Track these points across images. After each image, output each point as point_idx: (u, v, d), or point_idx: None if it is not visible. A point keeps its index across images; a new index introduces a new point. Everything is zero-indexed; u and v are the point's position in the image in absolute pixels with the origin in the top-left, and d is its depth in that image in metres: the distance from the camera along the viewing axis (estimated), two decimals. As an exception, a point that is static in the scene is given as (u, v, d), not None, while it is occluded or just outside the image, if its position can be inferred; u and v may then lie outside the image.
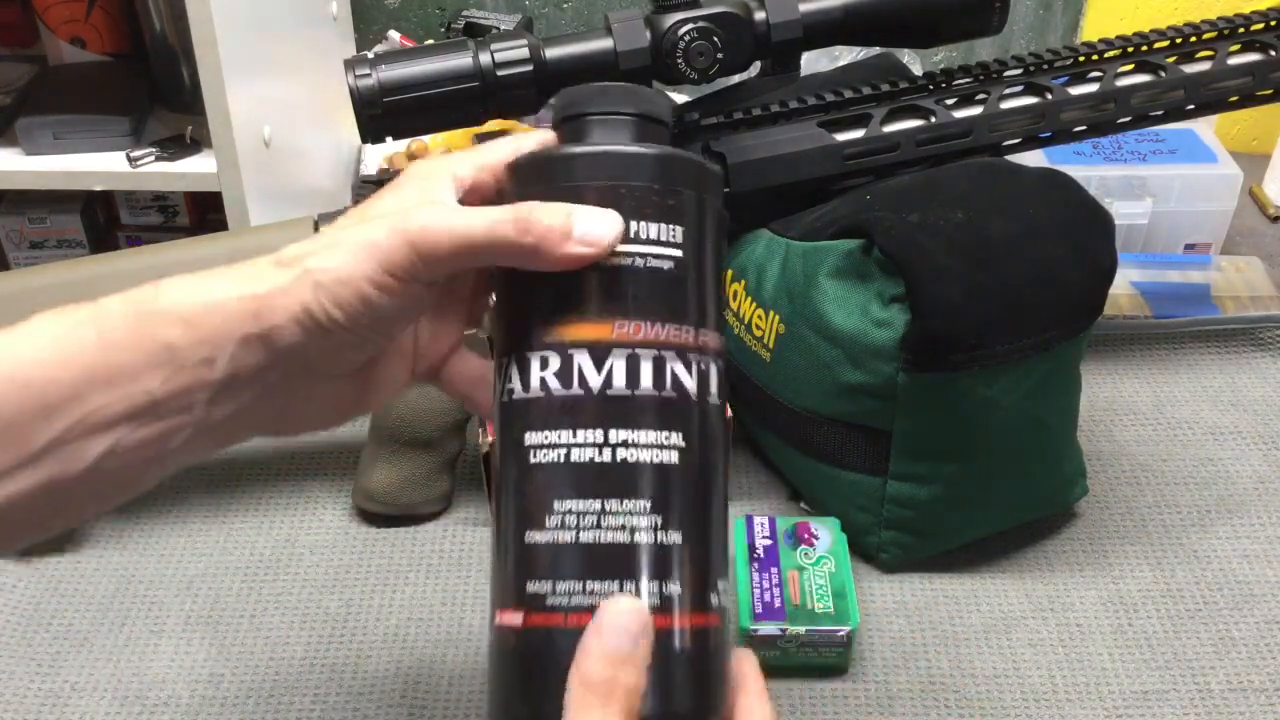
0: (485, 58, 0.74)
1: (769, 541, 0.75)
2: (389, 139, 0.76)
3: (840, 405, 0.76)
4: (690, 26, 0.75)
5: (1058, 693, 0.71)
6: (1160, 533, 0.82)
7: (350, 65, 0.74)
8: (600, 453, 0.42)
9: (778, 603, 0.71)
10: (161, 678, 0.73)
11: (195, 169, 0.92)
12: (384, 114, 0.74)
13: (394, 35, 1.30)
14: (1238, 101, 0.86)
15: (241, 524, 0.84)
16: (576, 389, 0.43)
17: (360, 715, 0.70)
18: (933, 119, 0.81)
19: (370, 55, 0.75)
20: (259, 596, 0.78)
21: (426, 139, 1.14)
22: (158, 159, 0.92)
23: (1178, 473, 0.87)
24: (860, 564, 0.80)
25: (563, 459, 0.43)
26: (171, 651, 0.75)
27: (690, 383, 0.44)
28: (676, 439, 0.43)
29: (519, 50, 0.75)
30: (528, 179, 0.47)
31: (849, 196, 0.78)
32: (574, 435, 0.42)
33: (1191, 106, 0.85)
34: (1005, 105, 0.82)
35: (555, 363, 0.43)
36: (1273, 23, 0.85)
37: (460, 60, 0.74)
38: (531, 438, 0.43)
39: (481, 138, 0.77)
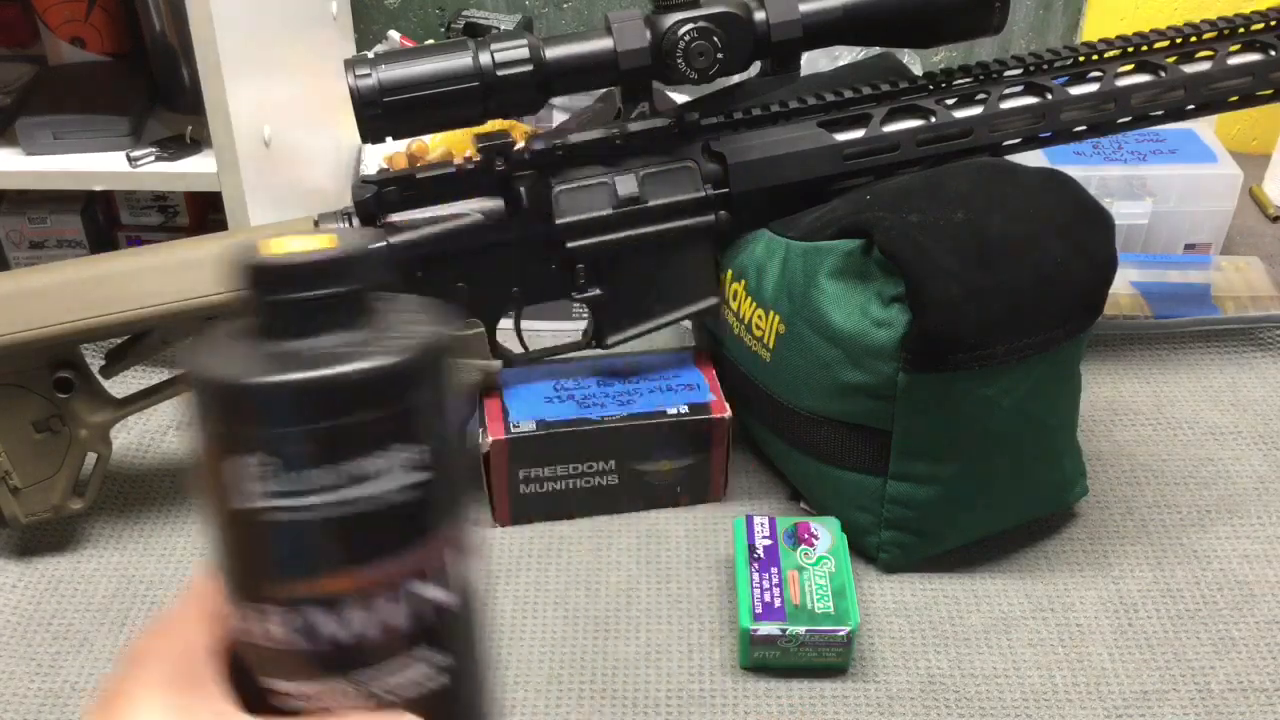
0: (485, 58, 0.74)
1: (769, 541, 0.75)
2: (389, 139, 0.76)
3: (840, 405, 0.76)
4: (690, 26, 0.75)
5: (1058, 693, 0.71)
6: (1160, 533, 0.82)
7: (350, 65, 0.74)
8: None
9: (778, 603, 0.71)
10: (161, 678, 0.73)
11: (195, 169, 0.92)
12: (384, 114, 0.74)
13: (394, 35, 1.30)
14: (1238, 101, 0.86)
15: (241, 524, 0.83)
16: (319, 643, 0.35)
17: None
18: (933, 119, 0.81)
19: (370, 55, 0.75)
20: (259, 596, 0.78)
21: (426, 139, 1.14)
22: (158, 159, 0.92)
23: (1178, 473, 0.87)
24: (860, 564, 0.80)
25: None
26: (171, 651, 0.75)
27: (443, 595, 0.38)
28: (439, 659, 0.37)
29: (519, 50, 0.75)
30: (225, 409, 0.34)
31: (849, 196, 0.78)
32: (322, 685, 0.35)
33: (1191, 106, 0.85)
34: (1005, 105, 0.82)
35: (294, 618, 0.35)
36: (1273, 23, 0.85)
37: (460, 60, 0.74)
38: (282, 685, 0.36)
39: (481, 138, 0.77)
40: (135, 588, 0.79)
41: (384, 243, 0.76)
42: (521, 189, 0.77)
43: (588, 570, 0.80)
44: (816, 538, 0.76)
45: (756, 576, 0.73)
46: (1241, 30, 0.85)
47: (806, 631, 0.70)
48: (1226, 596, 0.78)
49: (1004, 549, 0.81)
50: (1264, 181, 1.26)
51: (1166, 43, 0.84)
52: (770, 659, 0.71)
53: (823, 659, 0.71)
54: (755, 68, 0.80)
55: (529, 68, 0.75)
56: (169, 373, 0.82)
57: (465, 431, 0.41)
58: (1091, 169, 1.08)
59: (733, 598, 0.77)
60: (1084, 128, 0.83)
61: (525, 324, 0.86)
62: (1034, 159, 0.98)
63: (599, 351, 0.85)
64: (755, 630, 0.70)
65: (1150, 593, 0.78)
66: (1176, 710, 0.71)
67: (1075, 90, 0.82)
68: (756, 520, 0.77)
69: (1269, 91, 0.86)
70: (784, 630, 0.70)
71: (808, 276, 0.76)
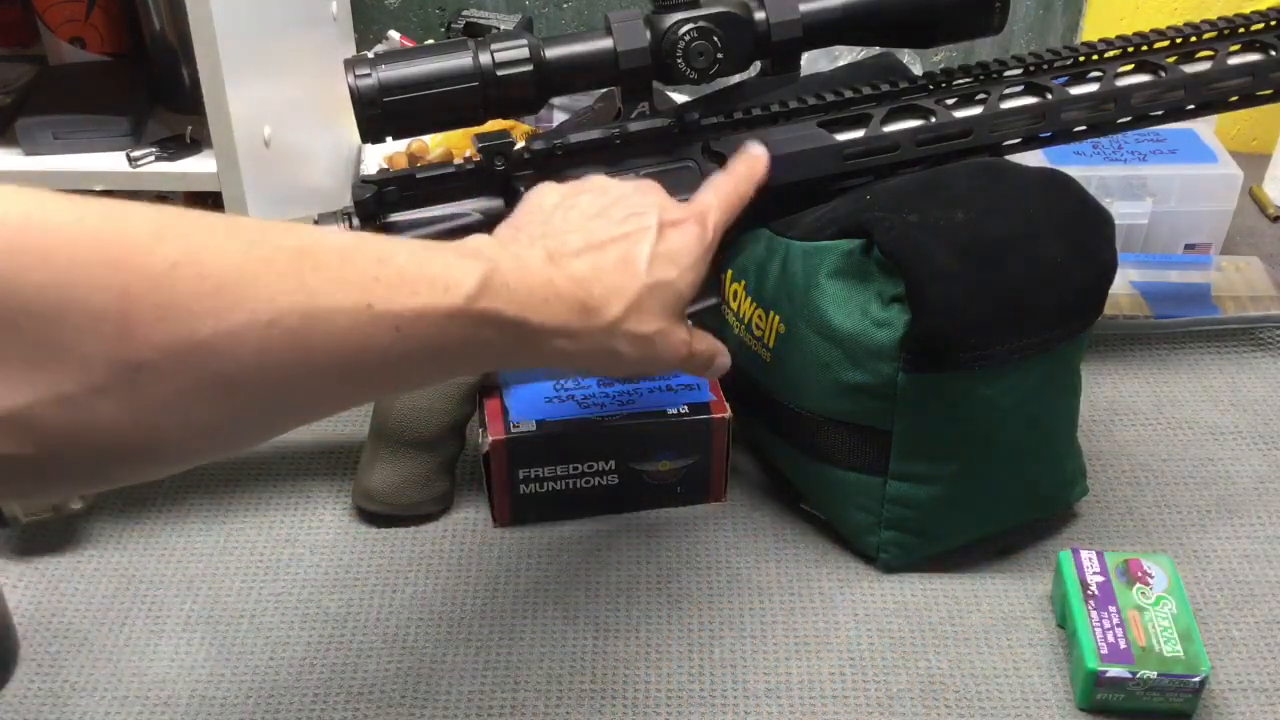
0: (485, 58, 0.74)
1: (1101, 578, 0.73)
2: (389, 139, 0.76)
3: (840, 405, 0.76)
4: (690, 26, 0.75)
5: (1058, 692, 0.71)
6: (1160, 533, 0.82)
7: (350, 65, 0.74)
8: None
9: (1123, 644, 0.70)
10: (161, 678, 0.73)
11: (195, 169, 0.92)
12: (384, 114, 0.74)
13: (394, 35, 1.30)
14: (1238, 101, 0.85)
15: (241, 524, 0.84)
16: None
17: (360, 715, 0.70)
18: (933, 119, 0.81)
19: (370, 55, 0.75)
20: (259, 596, 0.78)
21: (426, 139, 1.14)
22: (158, 159, 0.92)
23: (1178, 473, 0.87)
24: (860, 564, 0.80)
25: None
26: (171, 651, 0.75)
27: None
28: None
29: (519, 50, 0.75)
30: None
31: (849, 196, 0.78)
32: None
33: (1191, 106, 0.85)
34: (1005, 105, 0.81)
35: None
36: (1273, 23, 0.85)
37: (460, 60, 0.74)
38: None
39: (481, 138, 0.77)
40: (135, 588, 0.79)
41: (384, 243, 0.76)
42: (521, 189, 0.77)
43: (588, 570, 0.80)
44: (1151, 576, 0.74)
45: (1095, 615, 0.71)
46: (1241, 30, 0.85)
47: (1158, 676, 0.68)
48: (1226, 596, 0.78)
49: (1004, 549, 0.81)
50: (1264, 181, 1.26)
51: (1166, 43, 0.84)
52: (1113, 702, 0.70)
53: (1169, 704, 0.69)
54: (755, 68, 0.80)
55: (529, 68, 0.75)
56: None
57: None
58: (1091, 169, 1.07)
59: (731, 598, 0.77)
60: (1084, 128, 0.83)
61: (525, 324, 0.86)
62: (1034, 159, 0.98)
63: (599, 351, 0.85)
64: (1104, 672, 0.69)
65: (1150, 593, 0.78)
66: (1176, 710, 0.71)
67: (1075, 90, 0.82)
68: (1083, 554, 0.75)
69: (1269, 91, 0.86)
70: (1134, 674, 0.68)
71: (808, 276, 0.76)
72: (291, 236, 0.47)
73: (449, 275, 0.52)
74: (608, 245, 0.61)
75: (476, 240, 0.59)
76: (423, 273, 0.51)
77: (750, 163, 0.73)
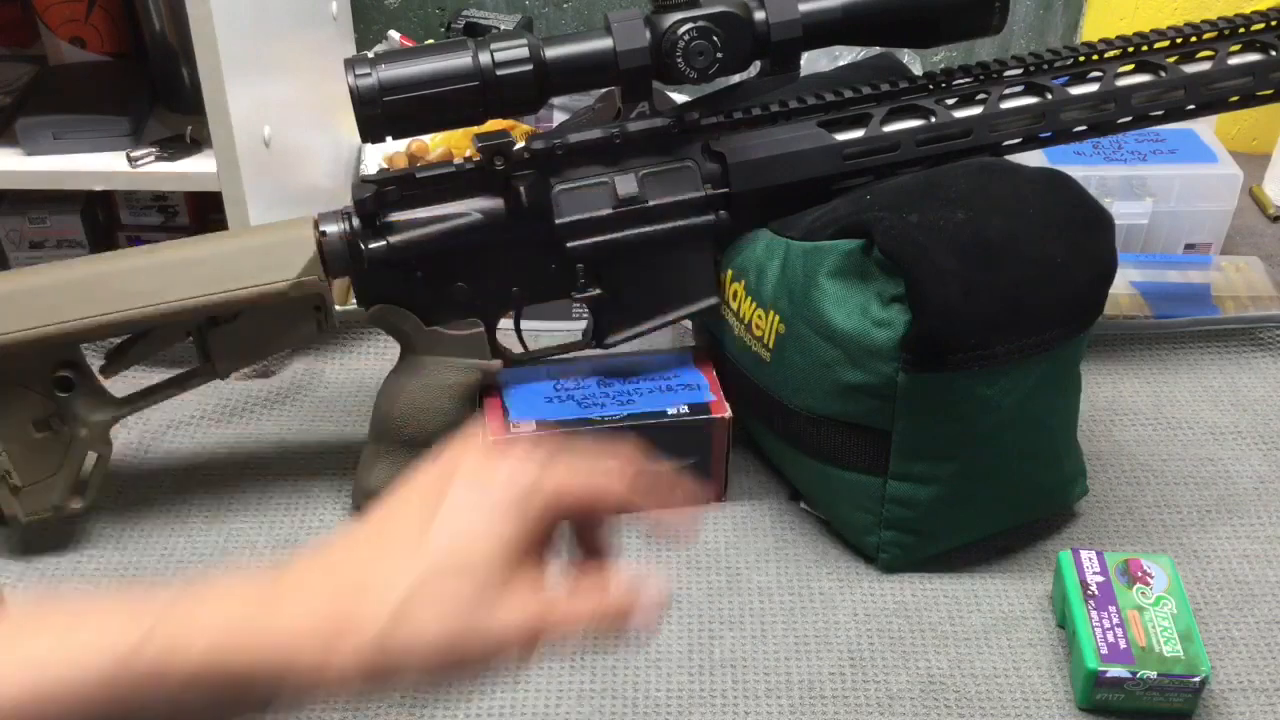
0: (485, 57, 0.74)
1: (1101, 578, 0.73)
2: (389, 138, 0.76)
3: (840, 405, 0.76)
4: (690, 26, 0.75)
5: (1058, 692, 0.71)
6: (1160, 533, 0.82)
7: (350, 65, 0.74)
8: None
9: (1123, 644, 0.70)
10: (161, 677, 0.73)
11: (195, 169, 0.92)
12: (384, 113, 0.74)
13: (394, 35, 1.30)
14: (1238, 101, 0.86)
15: (241, 524, 0.84)
16: None
17: (360, 715, 0.70)
18: (933, 119, 0.81)
19: (370, 55, 0.75)
20: (259, 596, 0.78)
21: (426, 139, 1.14)
22: (158, 159, 0.92)
23: (1178, 473, 0.87)
24: (860, 564, 0.80)
25: None
26: (171, 651, 0.74)
27: None
28: None
29: (519, 50, 0.75)
30: None
31: (849, 196, 0.78)
32: None
33: (1191, 106, 0.85)
34: (1005, 105, 0.82)
35: None
36: (1273, 23, 0.85)
37: (460, 60, 0.74)
38: None
39: (481, 138, 0.77)
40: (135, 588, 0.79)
41: (384, 242, 0.76)
42: (521, 189, 0.77)
43: (588, 570, 0.80)
44: (1151, 576, 0.74)
45: (1095, 615, 0.71)
46: (1242, 30, 0.85)
47: (1158, 676, 0.68)
48: (1226, 596, 0.78)
49: (1004, 549, 0.81)
50: (1264, 181, 1.26)
51: (1167, 43, 0.84)
52: (1113, 701, 0.70)
53: (1169, 704, 0.70)
54: (755, 68, 0.80)
55: (529, 68, 0.75)
56: (169, 373, 0.82)
57: None
58: (1091, 169, 1.08)
59: (731, 598, 0.77)
60: (1084, 128, 0.83)
61: (525, 324, 0.86)
62: (1034, 159, 0.98)
63: (599, 351, 0.85)
64: (1104, 672, 0.69)
65: (1150, 593, 0.78)
66: (1176, 710, 0.71)
67: (1075, 90, 0.82)
68: (1083, 554, 0.75)
69: (1269, 91, 0.86)
70: (1134, 674, 0.68)
71: (808, 276, 0.76)
72: None
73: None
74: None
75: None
76: None
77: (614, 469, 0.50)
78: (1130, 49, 0.84)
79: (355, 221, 0.77)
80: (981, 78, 0.82)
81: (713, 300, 0.84)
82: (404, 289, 0.79)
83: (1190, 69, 0.84)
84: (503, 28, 1.26)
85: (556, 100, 1.12)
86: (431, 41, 0.89)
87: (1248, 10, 0.86)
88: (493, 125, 0.79)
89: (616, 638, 0.46)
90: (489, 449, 0.47)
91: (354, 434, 0.89)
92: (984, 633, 0.75)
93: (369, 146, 1.20)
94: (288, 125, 1.01)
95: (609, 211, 0.79)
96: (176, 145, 0.94)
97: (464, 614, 0.44)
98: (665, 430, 0.81)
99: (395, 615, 0.43)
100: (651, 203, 0.79)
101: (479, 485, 0.45)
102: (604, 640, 0.46)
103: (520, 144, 0.78)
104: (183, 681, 0.43)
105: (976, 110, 0.81)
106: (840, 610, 0.77)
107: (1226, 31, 0.85)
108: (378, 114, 0.74)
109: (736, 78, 0.82)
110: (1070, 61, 0.83)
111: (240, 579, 0.46)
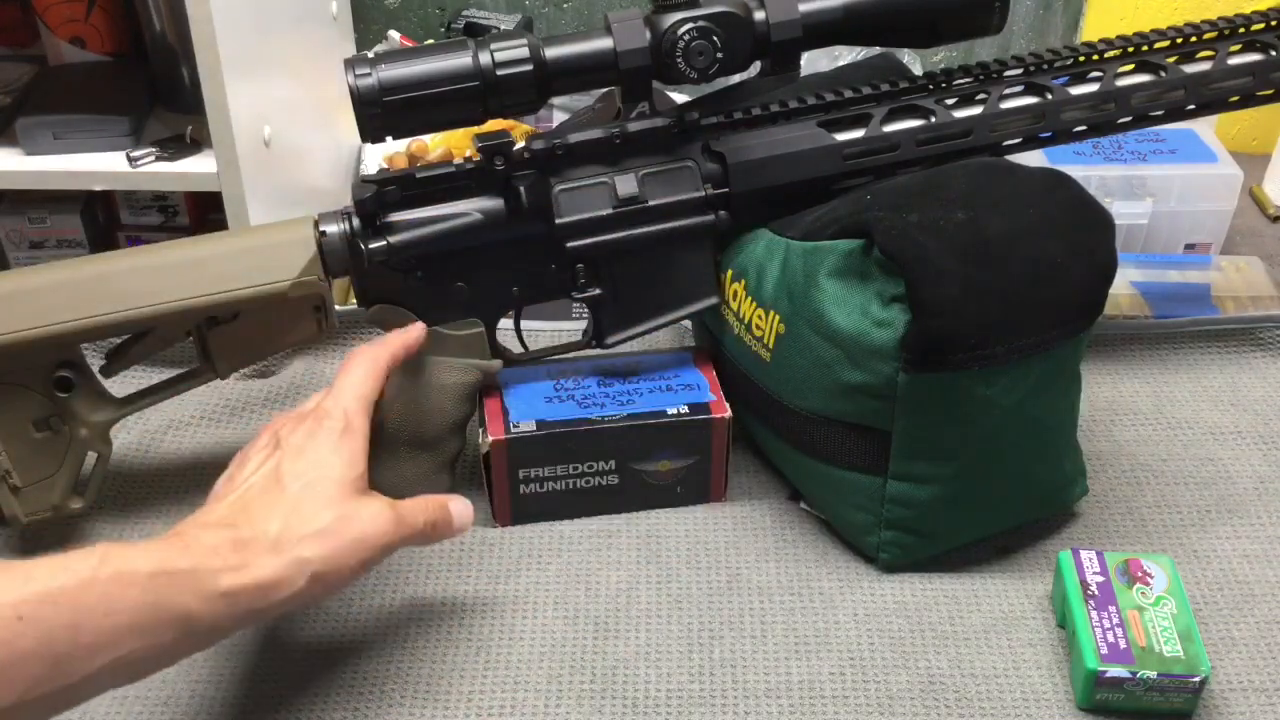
0: (485, 57, 0.74)
1: (1101, 578, 0.73)
2: (389, 138, 0.76)
3: (840, 405, 0.76)
4: (690, 26, 0.75)
5: (1058, 692, 0.71)
6: (1160, 533, 0.82)
7: (350, 65, 0.74)
8: None
9: (1122, 644, 0.70)
10: (161, 677, 0.73)
11: (195, 169, 0.92)
12: (384, 113, 0.74)
13: (394, 35, 1.30)
14: (1238, 101, 0.86)
15: (241, 524, 0.83)
16: None
17: (360, 715, 0.70)
18: (933, 119, 0.81)
19: (370, 55, 0.75)
20: (259, 596, 0.78)
21: (426, 139, 1.14)
22: (158, 159, 0.92)
23: (1178, 473, 0.87)
24: (860, 564, 0.80)
25: None
26: (171, 651, 0.75)
27: None
28: None
29: (519, 50, 0.75)
30: None
31: (849, 196, 0.78)
32: None
33: (1192, 106, 0.85)
34: (1005, 105, 0.82)
35: None
36: (1273, 23, 0.86)
37: (460, 60, 0.74)
38: None
39: (481, 138, 0.77)
40: (135, 587, 0.79)
41: (384, 242, 0.76)
42: (521, 189, 0.77)
43: (588, 570, 0.80)
44: (1151, 576, 0.74)
45: (1095, 615, 0.71)
46: (1242, 30, 0.85)
47: (1158, 676, 0.68)
48: (1226, 596, 0.78)
49: (1004, 549, 0.81)
50: (1264, 181, 1.26)
51: (1167, 43, 0.84)
52: (1113, 701, 0.70)
53: (1169, 704, 0.69)
54: (755, 68, 0.80)
55: (529, 68, 0.75)
56: (169, 373, 0.82)
57: None
58: (1091, 169, 1.08)
59: (731, 598, 0.77)
60: (1084, 128, 0.83)
61: (525, 324, 0.86)
62: (1034, 159, 0.98)
63: (599, 351, 0.85)
64: (1104, 672, 0.69)
65: (1150, 593, 0.78)
66: (1176, 710, 0.71)
67: (1075, 90, 0.82)
68: (1084, 554, 0.75)
69: (1269, 91, 0.86)
70: (1134, 674, 0.68)
71: (808, 276, 0.76)
72: None
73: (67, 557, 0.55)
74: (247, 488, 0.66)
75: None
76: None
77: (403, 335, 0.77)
78: (1130, 49, 0.84)
79: (355, 221, 0.77)
80: (981, 78, 0.82)
81: (713, 300, 0.84)
82: (404, 289, 0.79)
83: (1190, 69, 0.84)
84: (503, 28, 1.26)
85: (556, 100, 1.13)
86: (431, 41, 0.89)
87: (1248, 10, 0.86)
88: (493, 125, 0.79)
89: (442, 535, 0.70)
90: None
91: (354, 434, 0.89)
92: (984, 633, 0.75)
93: (369, 146, 1.20)
94: (288, 125, 1.01)
95: (609, 211, 0.79)
96: (176, 145, 0.94)
97: (341, 502, 0.65)
98: (665, 430, 0.81)
99: (287, 515, 0.63)
100: (651, 203, 0.79)
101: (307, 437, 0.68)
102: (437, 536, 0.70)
103: (520, 144, 0.78)
104: (142, 588, 0.55)
105: (976, 110, 0.81)
106: (840, 610, 0.77)
107: (1226, 31, 0.85)
108: (378, 114, 0.74)
109: (737, 78, 0.82)
110: (1070, 61, 0.83)
111: (142, 544, 0.58)
